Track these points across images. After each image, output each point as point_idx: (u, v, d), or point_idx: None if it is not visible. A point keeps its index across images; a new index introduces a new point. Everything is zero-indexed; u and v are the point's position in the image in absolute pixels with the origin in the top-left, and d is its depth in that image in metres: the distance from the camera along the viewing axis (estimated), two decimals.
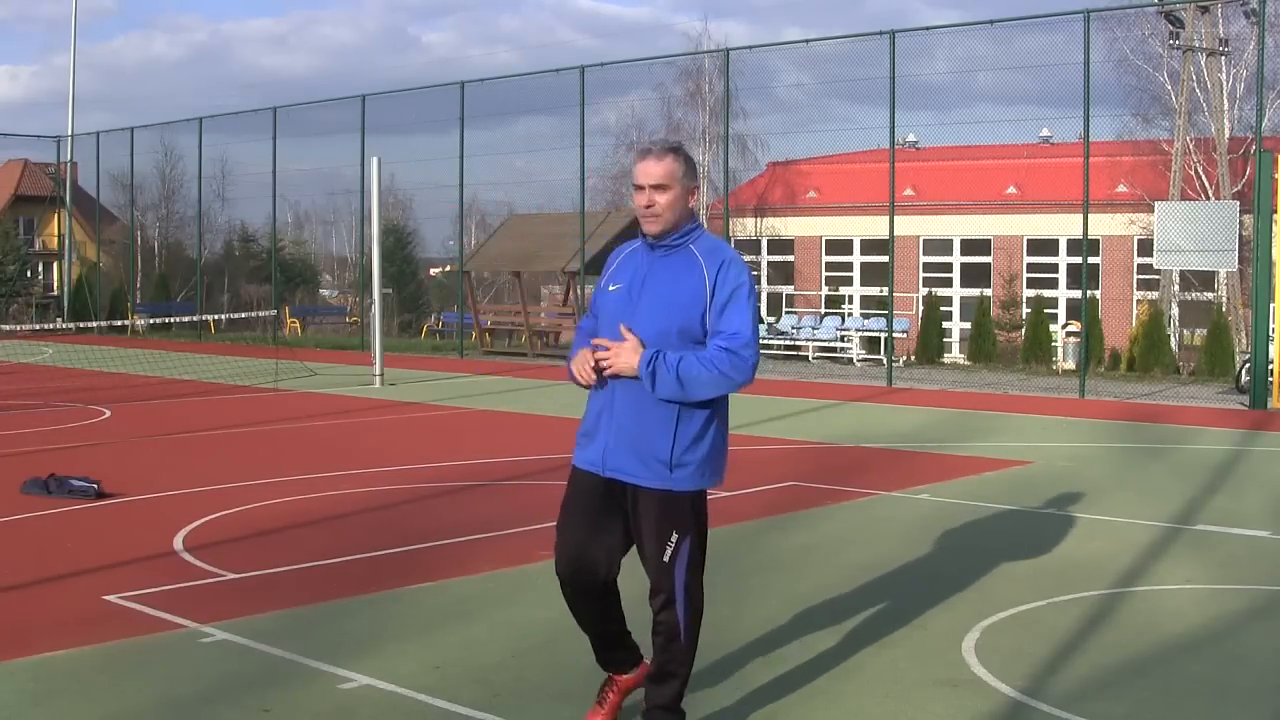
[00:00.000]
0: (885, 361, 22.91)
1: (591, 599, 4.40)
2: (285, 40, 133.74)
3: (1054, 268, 36.94)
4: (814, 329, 29.14)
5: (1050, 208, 34.43)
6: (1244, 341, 23.54)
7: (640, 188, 4.22)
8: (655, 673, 4.32)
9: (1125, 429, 14.47)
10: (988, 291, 34.73)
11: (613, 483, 4.25)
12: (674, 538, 4.20)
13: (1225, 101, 30.22)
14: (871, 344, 28.13)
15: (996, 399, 18.04)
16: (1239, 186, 28.51)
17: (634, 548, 4.36)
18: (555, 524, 4.41)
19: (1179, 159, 30.53)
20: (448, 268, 42.19)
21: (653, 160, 4.22)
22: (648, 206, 4.21)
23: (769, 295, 39.63)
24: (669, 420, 4.17)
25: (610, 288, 4.34)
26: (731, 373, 4.10)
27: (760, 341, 4.25)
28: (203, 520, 8.36)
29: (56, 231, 40.04)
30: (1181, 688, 5.17)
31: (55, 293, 41.14)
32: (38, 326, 32.28)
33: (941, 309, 27.93)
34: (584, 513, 4.31)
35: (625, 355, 4.13)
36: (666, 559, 4.20)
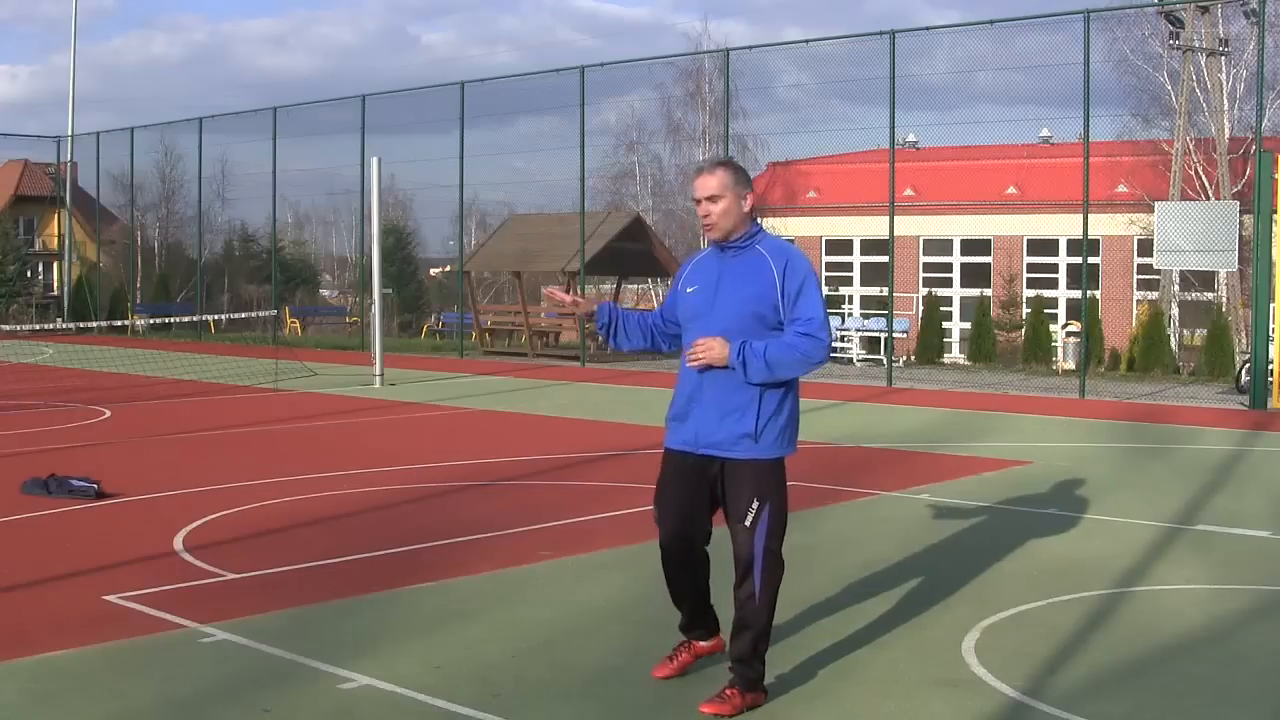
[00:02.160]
0: (885, 361, 22.91)
1: (688, 568, 4.94)
2: (285, 40, 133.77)
3: (1054, 268, 36.94)
4: None
5: (1050, 208, 34.43)
6: (1244, 341, 23.53)
7: (698, 201, 4.86)
8: (735, 627, 4.83)
9: (1125, 429, 14.47)
10: (988, 291, 34.72)
11: (704, 460, 4.83)
12: (755, 504, 4.75)
13: (1225, 101, 30.21)
14: (871, 344, 28.14)
15: (996, 399, 18.04)
16: (1239, 186, 28.50)
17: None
18: (654, 501, 4.96)
19: (1179, 159, 30.53)
20: (448, 268, 42.17)
21: (705, 175, 4.86)
22: (705, 217, 4.83)
23: None
24: (753, 399, 4.76)
25: (687, 290, 4.94)
26: (812, 353, 4.73)
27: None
28: (203, 520, 8.36)
29: (56, 231, 40.04)
30: (1181, 688, 5.17)
31: (55, 293, 41.13)
32: (38, 326, 32.27)
33: (941, 309, 27.92)
34: (682, 489, 4.88)
35: (717, 348, 4.72)
36: (749, 523, 4.74)
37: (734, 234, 4.84)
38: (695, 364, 4.77)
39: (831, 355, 29.93)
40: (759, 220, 4.96)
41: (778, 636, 5.75)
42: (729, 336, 4.72)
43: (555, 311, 31.12)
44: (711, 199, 4.81)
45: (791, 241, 5.38)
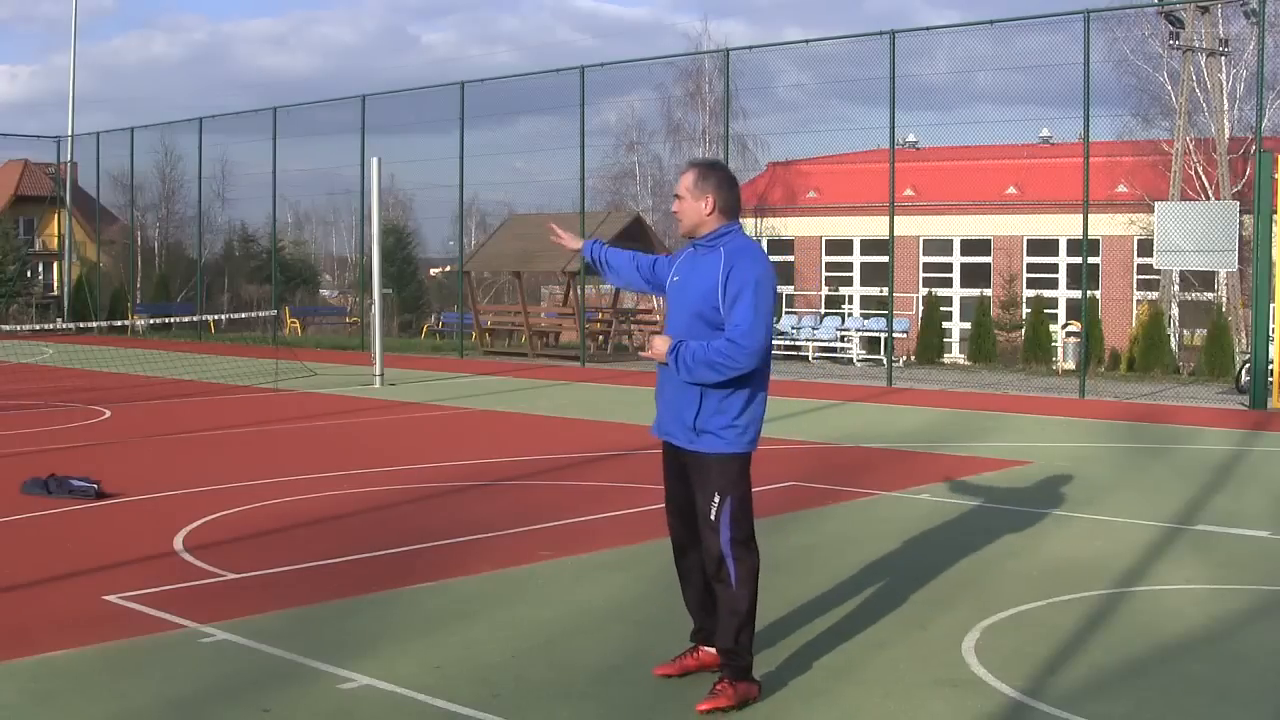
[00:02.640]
0: (885, 361, 22.91)
1: (689, 549, 5.08)
2: (285, 40, 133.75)
3: (1054, 268, 36.94)
4: (814, 329, 29.15)
5: (1050, 208, 34.43)
6: (1244, 341, 23.53)
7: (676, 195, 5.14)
8: (718, 618, 4.94)
9: (1125, 429, 14.47)
10: (988, 291, 34.72)
11: (672, 449, 5.06)
12: (716, 499, 4.89)
13: (1225, 101, 30.22)
14: (871, 344, 28.14)
15: (996, 399, 18.04)
16: (1239, 186, 28.51)
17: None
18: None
19: (1179, 159, 30.53)
20: (448, 268, 42.17)
21: (682, 173, 5.15)
22: (675, 211, 5.12)
23: None
24: (694, 396, 4.91)
25: (674, 279, 5.15)
26: (729, 360, 4.77)
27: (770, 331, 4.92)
28: (203, 520, 8.36)
29: (56, 231, 40.04)
30: (1181, 688, 5.17)
31: (55, 293, 41.13)
32: (38, 326, 32.26)
33: (941, 309, 27.91)
34: (673, 480, 5.12)
35: (657, 345, 4.93)
36: (713, 517, 4.89)
37: (698, 232, 5.03)
38: (650, 358, 5.01)
39: (832, 355, 29.84)
40: (737, 223, 5.05)
41: (778, 636, 5.77)
42: (680, 333, 4.91)
43: (555, 311, 31.13)
44: (677, 196, 5.09)
45: (764, 244, 5.50)
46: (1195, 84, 30.16)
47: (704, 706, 4.75)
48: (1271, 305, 17.19)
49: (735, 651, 4.87)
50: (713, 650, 5.05)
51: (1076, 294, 27.16)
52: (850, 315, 32.07)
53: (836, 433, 13.47)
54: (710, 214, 4.99)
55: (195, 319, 28.53)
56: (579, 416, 15.24)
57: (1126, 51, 30.22)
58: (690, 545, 5.10)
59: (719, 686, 4.82)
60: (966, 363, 25.96)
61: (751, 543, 4.95)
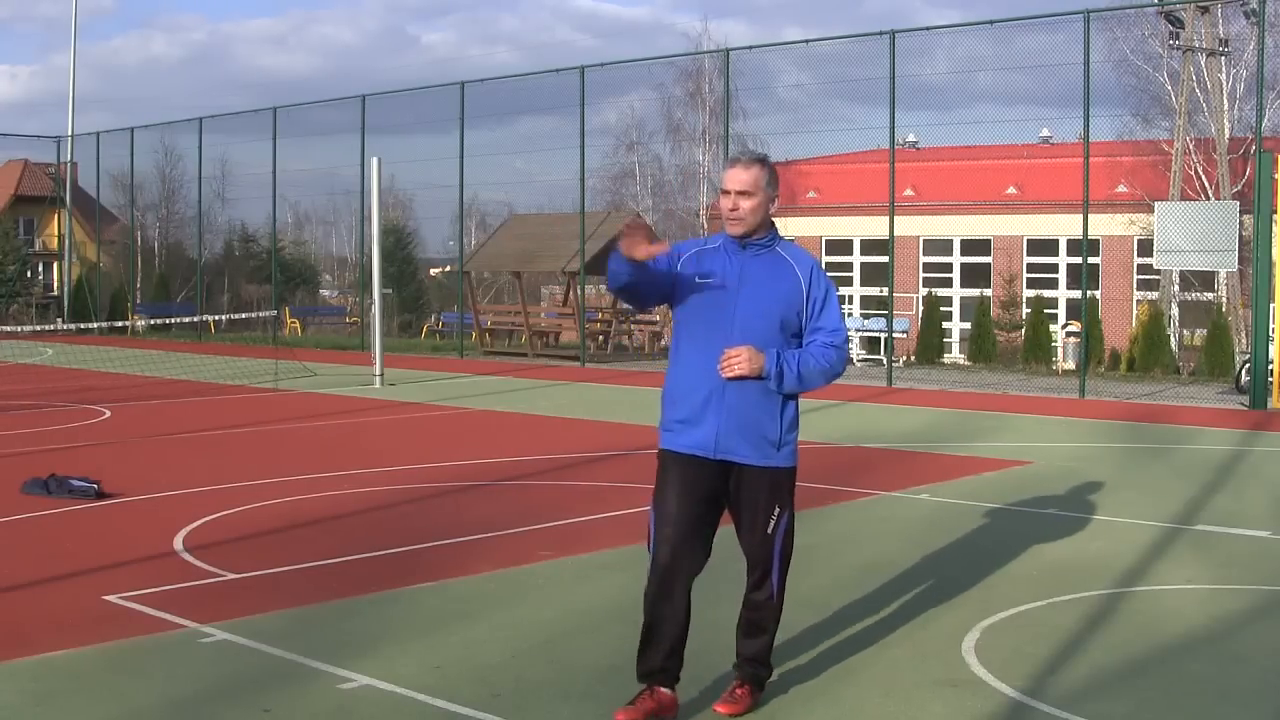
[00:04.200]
0: (885, 361, 22.90)
1: (682, 594, 4.67)
2: (285, 40, 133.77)
3: (1054, 268, 36.94)
4: None
5: (1050, 208, 34.43)
6: (1244, 341, 23.53)
7: (726, 192, 4.68)
8: (748, 628, 4.84)
9: (1125, 429, 14.47)
10: (988, 291, 34.72)
11: (719, 466, 4.67)
12: (777, 511, 4.73)
13: (1225, 101, 30.22)
14: (871, 344, 28.12)
15: (996, 399, 18.04)
16: (1239, 186, 28.51)
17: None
18: (655, 512, 4.69)
19: (1179, 159, 30.53)
20: (448, 268, 42.20)
21: (740, 168, 4.69)
22: (732, 210, 4.67)
23: None
24: (776, 406, 4.69)
25: (698, 280, 4.70)
26: (838, 364, 4.73)
27: None
28: (203, 520, 8.36)
29: (56, 232, 40.04)
30: (1181, 688, 5.17)
31: (55, 293, 41.13)
32: (38, 327, 32.27)
33: (941, 309, 27.91)
34: (690, 501, 4.65)
35: (754, 359, 4.57)
36: (770, 531, 4.73)
37: (758, 232, 4.72)
38: (731, 375, 4.58)
39: None
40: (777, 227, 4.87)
41: (778, 636, 5.76)
42: (754, 340, 4.59)
43: (555, 311, 31.13)
44: (743, 194, 4.66)
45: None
46: (1195, 84, 30.17)
47: (724, 709, 4.74)
48: (1271, 305, 17.19)
49: (765, 662, 4.87)
50: (670, 692, 4.67)
51: (1076, 294, 27.16)
52: (850, 315, 32.04)
53: (836, 433, 13.47)
54: (771, 213, 4.76)
55: (195, 319, 28.51)
56: (579, 416, 15.24)
57: (1126, 51, 30.25)
58: (689, 574, 4.68)
59: (739, 691, 4.80)
60: (966, 363, 25.95)
61: (792, 551, 4.88)
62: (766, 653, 4.85)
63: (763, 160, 4.73)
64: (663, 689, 4.69)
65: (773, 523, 4.73)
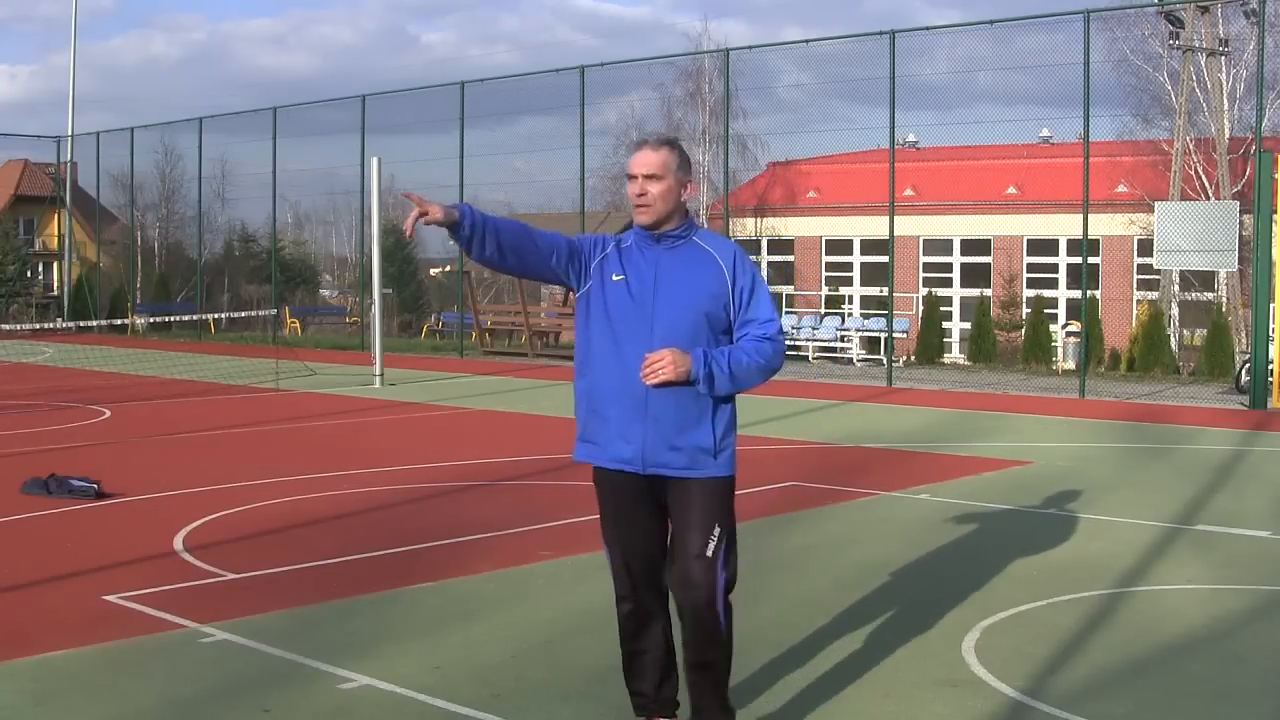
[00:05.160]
0: (885, 361, 22.91)
1: (655, 616, 4.36)
2: (285, 40, 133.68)
3: (1054, 268, 36.93)
4: (814, 329, 29.14)
5: (1050, 208, 34.43)
6: (1244, 341, 23.52)
7: (633, 177, 4.26)
8: (695, 670, 4.30)
9: (1125, 429, 14.47)
10: (988, 291, 34.72)
11: (653, 480, 4.26)
12: (717, 530, 4.23)
13: (1225, 101, 30.20)
14: (871, 344, 28.13)
15: (996, 399, 18.04)
16: (1239, 186, 28.49)
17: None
18: (606, 541, 4.38)
19: (1179, 159, 30.52)
20: (448, 268, 42.16)
21: (648, 150, 4.28)
22: (639, 195, 4.24)
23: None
24: (708, 409, 4.24)
25: (614, 278, 4.28)
26: (775, 359, 4.26)
27: None
28: (203, 520, 8.36)
29: (56, 231, 40.04)
30: (1181, 688, 5.17)
31: (55, 293, 41.13)
32: (38, 326, 32.27)
33: (941, 309, 27.91)
34: (635, 515, 4.31)
35: (676, 363, 4.11)
36: (710, 553, 4.21)
37: (668, 223, 4.27)
38: (655, 382, 4.12)
39: (832, 355, 29.80)
40: (693, 215, 4.43)
41: (778, 636, 5.76)
42: (678, 342, 4.14)
43: (555, 311, 31.11)
44: (651, 177, 4.22)
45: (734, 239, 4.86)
46: (1195, 84, 30.15)
47: None
48: (1271, 305, 17.20)
49: (728, 708, 4.37)
50: None
51: (1076, 294, 27.16)
52: (850, 315, 32.06)
53: (836, 433, 13.47)
54: (685, 200, 4.30)
55: (195, 319, 28.53)
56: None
57: (1126, 51, 30.22)
58: (658, 611, 4.35)
59: None
60: (966, 363, 25.95)
61: (736, 576, 4.34)
62: (723, 696, 4.32)
63: (672, 142, 4.34)
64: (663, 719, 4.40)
65: (712, 542, 4.20)
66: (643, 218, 4.26)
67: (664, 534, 4.33)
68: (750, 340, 4.23)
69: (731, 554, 4.27)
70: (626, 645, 4.40)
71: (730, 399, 4.29)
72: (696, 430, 4.22)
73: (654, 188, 4.23)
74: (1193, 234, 18.34)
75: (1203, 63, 30.00)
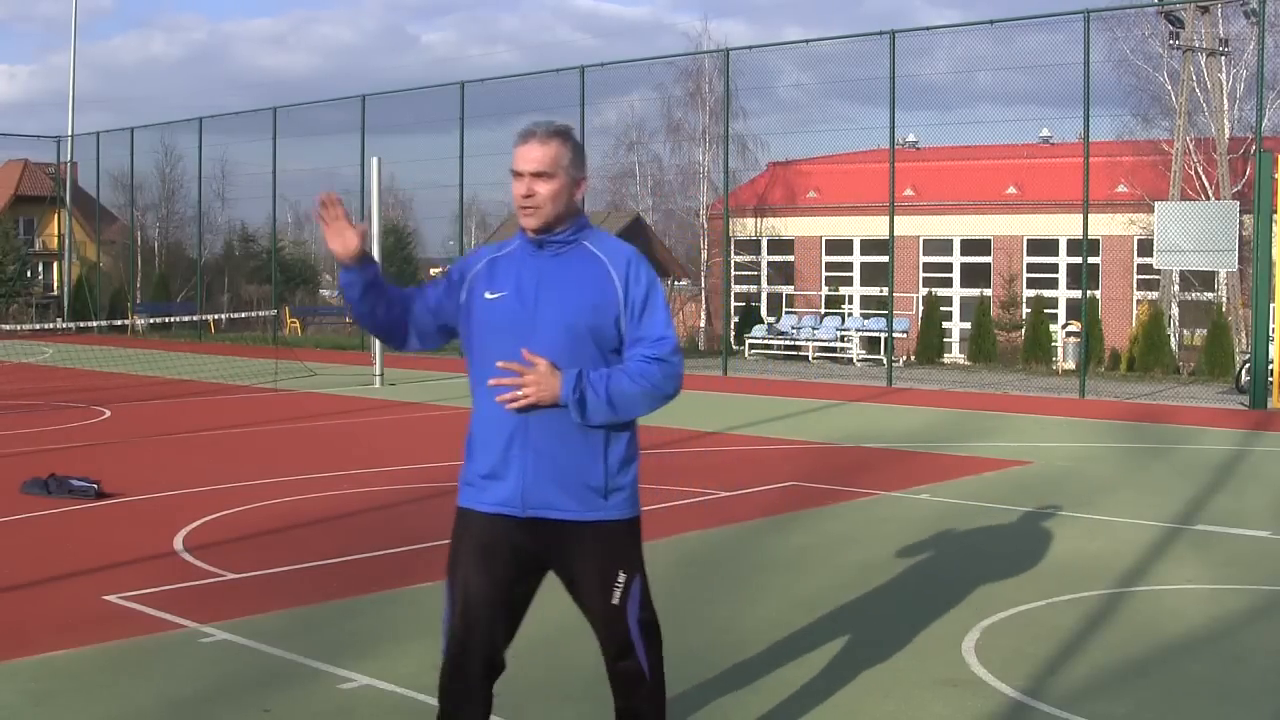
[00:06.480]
0: (885, 361, 22.91)
1: (479, 684, 3.71)
2: (285, 40, 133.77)
3: (1054, 268, 36.93)
4: (814, 329, 29.15)
5: (1050, 208, 34.44)
6: (1244, 341, 23.54)
7: (519, 175, 3.61)
8: (623, 709, 3.90)
9: (1125, 429, 14.47)
10: (988, 291, 34.73)
11: (532, 525, 3.63)
12: (622, 577, 3.68)
13: (1225, 101, 30.21)
14: (871, 344, 28.14)
15: (996, 399, 18.04)
16: (1239, 186, 28.50)
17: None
18: (449, 584, 3.70)
19: (1179, 159, 30.52)
20: (448, 268, 42.13)
21: (535, 143, 3.62)
22: (526, 196, 3.60)
23: (769, 295, 39.64)
24: (598, 442, 3.64)
25: (487, 295, 3.67)
26: (665, 384, 3.62)
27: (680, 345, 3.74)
28: (203, 520, 8.36)
29: (56, 231, 40.07)
30: (1182, 688, 5.17)
31: (55, 293, 41.16)
32: (38, 326, 32.29)
33: (941, 309, 27.93)
34: (493, 569, 3.65)
35: (545, 383, 3.52)
36: (616, 601, 3.68)
37: (558, 226, 3.65)
38: (518, 406, 3.55)
39: (832, 355, 29.85)
40: (585, 214, 3.80)
41: (778, 636, 5.76)
42: (557, 362, 3.54)
43: None
44: (540, 175, 3.59)
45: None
46: (1195, 84, 30.16)
47: None
48: (1271, 305, 17.20)
49: None
50: None
51: (1076, 294, 27.17)
52: (850, 315, 32.06)
53: (836, 433, 13.46)
54: (578, 198, 3.71)
55: (195, 319, 28.53)
56: None
57: (1126, 51, 30.24)
58: (490, 667, 3.72)
59: None
60: (966, 363, 25.97)
61: (656, 618, 3.83)
62: None
63: (564, 133, 3.66)
64: None
65: (618, 591, 3.67)
66: (530, 221, 3.63)
67: (523, 594, 3.74)
68: (637, 361, 3.59)
69: (644, 595, 3.75)
70: (445, 709, 3.74)
71: (627, 429, 3.71)
72: (586, 465, 3.63)
73: (543, 187, 3.60)
74: (1193, 234, 18.35)
75: (1203, 63, 30.01)
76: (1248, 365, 17.77)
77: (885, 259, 23.37)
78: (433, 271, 51.28)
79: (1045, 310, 25.97)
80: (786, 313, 33.49)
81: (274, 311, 28.96)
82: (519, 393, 3.54)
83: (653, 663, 3.79)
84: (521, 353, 3.55)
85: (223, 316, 28.65)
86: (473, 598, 3.66)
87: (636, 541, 3.77)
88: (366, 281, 3.67)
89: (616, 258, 3.67)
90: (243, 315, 30.39)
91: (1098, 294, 31.55)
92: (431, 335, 3.83)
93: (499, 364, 3.57)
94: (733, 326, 28.47)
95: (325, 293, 55.06)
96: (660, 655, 3.83)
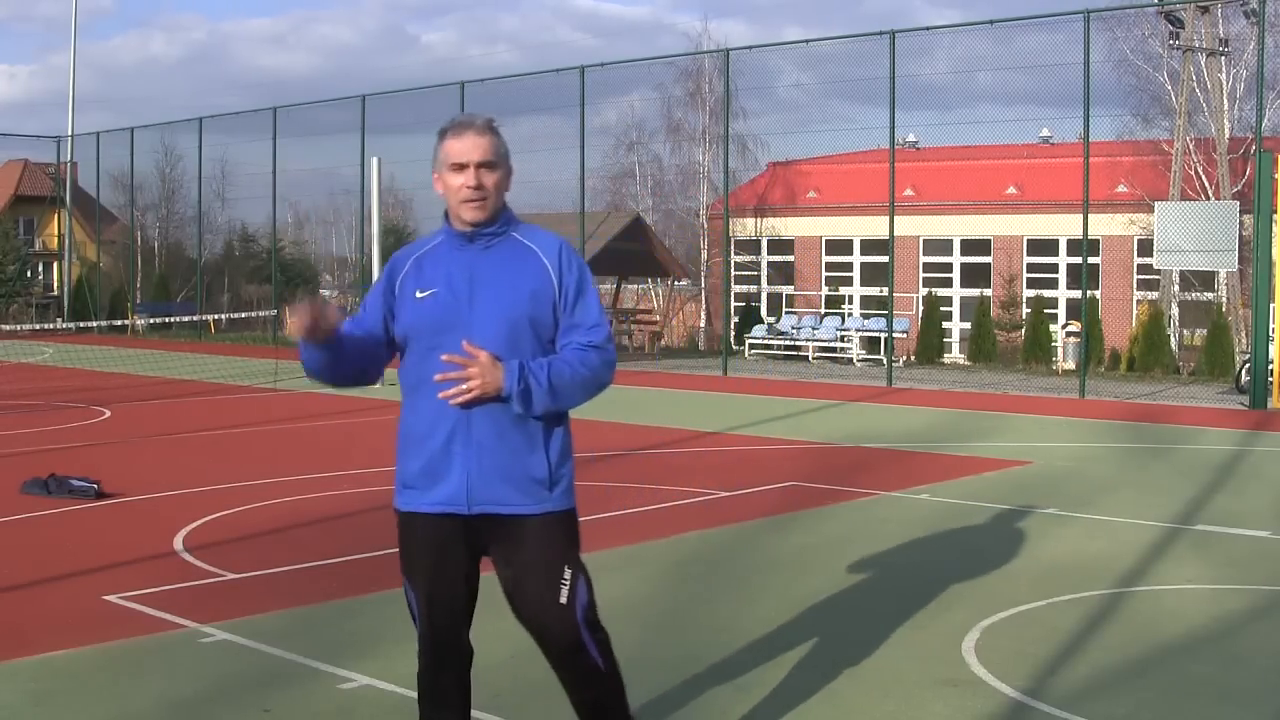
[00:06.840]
0: (885, 361, 22.91)
1: (459, 672, 3.86)
2: (285, 40, 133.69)
3: (1054, 268, 36.93)
4: (814, 329, 29.14)
5: (1050, 208, 34.43)
6: (1244, 341, 23.53)
7: (462, 166, 3.59)
8: (579, 702, 3.86)
9: (1125, 429, 14.47)
10: (988, 291, 34.73)
11: (476, 522, 3.66)
12: (567, 573, 3.69)
13: (1225, 101, 30.21)
14: (871, 344, 28.14)
15: (996, 399, 18.04)
16: (1239, 186, 28.50)
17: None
18: (410, 586, 3.85)
19: (1179, 159, 30.52)
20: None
21: (476, 134, 3.61)
22: (475, 189, 3.58)
23: (769, 296, 39.64)
24: (538, 435, 3.67)
25: (418, 294, 3.65)
26: (603, 371, 3.69)
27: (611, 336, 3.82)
28: (203, 520, 8.36)
29: (56, 231, 40.07)
30: (1182, 688, 5.17)
31: (55, 293, 41.15)
32: (38, 326, 32.29)
33: (941, 309, 27.94)
34: (447, 569, 3.73)
35: (488, 375, 3.50)
36: (564, 600, 3.68)
37: (494, 219, 3.70)
38: (464, 400, 3.54)
39: (832, 355, 29.85)
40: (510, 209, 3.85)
41: (778, 636, 5.76)
42: (497, 354, 3.53)
43: None
44: (485, 166, 3.60)
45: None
46: (1195, 84, 30.16)
47: None
48: (1271, 305, 17.20)
49: None
50: None
51: (1076, 294, 27.17)
52: (850, 315, 32.06)
53: (836, 433, 13.46)
54: (506, 191, 3.73)
55: (195, 319, 28.53)
56: (578, 416, 15.18)
57: (1126, 51, 30.24)
58: (466, 659, 3.91)
59: None
60: (966, 363, 25.97)
61: (597, 611, 3.82)
62: None
63: (495, 125, 3.70)
64: None
65: (565, 589, 3.67)
66: (477, 214, 3.62)
67: (472, 587, 3.80)
68: (574, 349, 3.62)
69: (586, 587, 3.74)
70: (429, 700, 3.92)
71: (563, 420, 3.76)
72: (528, 458, 3.65)
73: (489, 178, 3.61)
74: (1193, 234, 18.35)
75: (1203, 63, 30.01)
76: (1248, 365, 17.77)
77: (885, 259, 23.38)
78: None
79: (1045, 310, 25.97)
80: (786, 313, 33.48)
81: (274, 311, 28.94)
82: (464, 386, 3.52)
83: (604, 655, 3.78)
84: (463, 345, 3.54)
85: (223, 316, 28.66)
86: (436, 604, 3.75)
87: (576, 533, 3.80)
88: (332, 353, 3.73)
89: (548, 247, 3.70)
90: (243, 315, 30.41)
91: (1098, 294, 31.54)
92: (388, 356, 3.88)
93: (444, 357, 3.55)
94: (733, 326, 28.48)
95: (325, 293, 55.06)
96: (610, 647, 3.81)
